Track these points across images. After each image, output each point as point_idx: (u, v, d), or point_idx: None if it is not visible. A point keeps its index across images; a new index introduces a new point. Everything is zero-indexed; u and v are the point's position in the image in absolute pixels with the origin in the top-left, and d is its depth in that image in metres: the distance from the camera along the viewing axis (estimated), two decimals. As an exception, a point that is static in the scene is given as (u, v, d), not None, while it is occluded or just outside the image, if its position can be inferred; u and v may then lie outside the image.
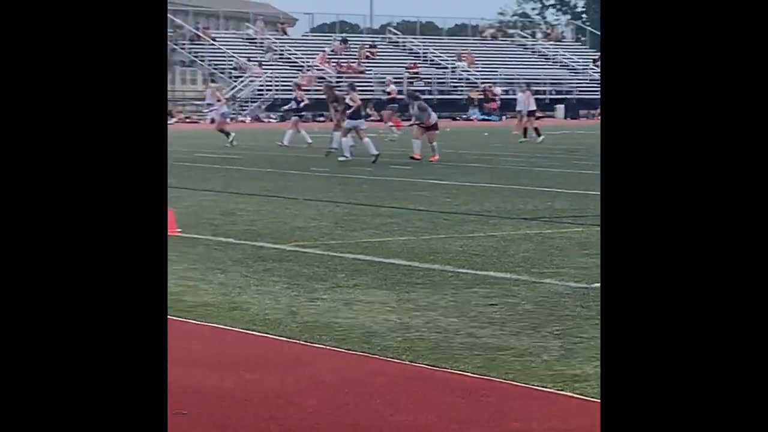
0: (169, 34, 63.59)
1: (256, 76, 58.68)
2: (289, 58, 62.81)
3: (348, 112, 26.80)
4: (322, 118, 48.17)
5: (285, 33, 68.53)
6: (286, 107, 42.18)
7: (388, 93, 40.63)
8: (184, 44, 62.31)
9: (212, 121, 53.41)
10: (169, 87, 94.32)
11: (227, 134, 33.00)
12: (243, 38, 66.41)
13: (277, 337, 7.66)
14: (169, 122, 54.28)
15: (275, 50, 62.96)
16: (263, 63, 60.48)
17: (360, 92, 60.39)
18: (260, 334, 7.77)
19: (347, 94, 27.50)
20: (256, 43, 64.45)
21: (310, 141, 31.76)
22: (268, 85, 59.09)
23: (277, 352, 7.32)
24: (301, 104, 34.18)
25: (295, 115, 33.80)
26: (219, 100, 34.90)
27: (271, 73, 58.78)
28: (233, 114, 56.34)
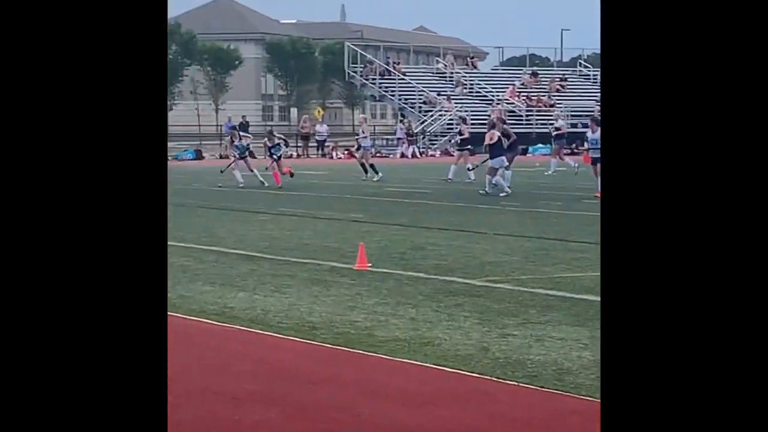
0: (359, 69, 64.35)
1: (446, 111, 58.93)
2: (479, 92, 62.88)
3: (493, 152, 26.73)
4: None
5: (475, 67, 68.65)
6: (451, 141, 42.18)
7: (557, 129, 40.22)
8: (374, 79, 62.99)
9: (402, 155, 53.79)
10: (359, 122, 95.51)
11: (365, 169, 32.93)
12: (433, 72, 66.79)
13: (468, 373, 7.60)
14: (358, 157, 54.94)
15: (465, 84, 63.13)
16: (452, 97, 60.70)
17: (550, 125, 59.80)
18: (451, 369, 7.73)
19: (487, 132, 27.29)
20: (445, 77, 64.74)
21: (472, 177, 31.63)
22: (457, 119, 59.25)
23: (468, 389, 7.27)
24: (460, 138, 34.06)
25: (459, 149, 33.71)
26: (363, 133, 34.91)
27: (461, 107, 58.93)
28: (423, 148, 56.67)
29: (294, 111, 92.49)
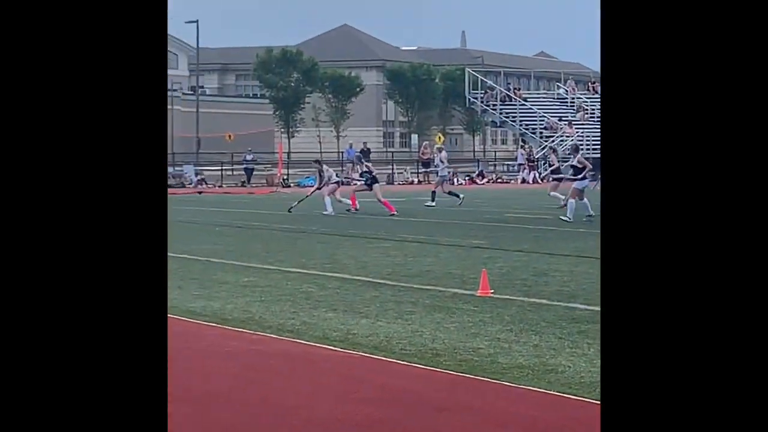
0: (480, 95, 64.34)
1: (567, 136, 58.59)
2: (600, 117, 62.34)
3: (578, 176, 26.75)
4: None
5: (596, 92, 68.14)
6: (547, 170, 42.47)
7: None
8: (495, 105, 62.91)
9: (523, 180, 53.55)
10: (479, 147, 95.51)
11: (433, 197, 33.41)
12: (553, 98, 66.47)
13: (593, 401, 7.52)
14: (479, 183, 54.97)
15: (586, 109, 62.69)
16: (573, 122, 60.33)
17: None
18: (575, 397, 7.65)
19: (574, 156, 27.32)
20: (566, 102, 64.36)
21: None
22: (571, 148, 58.78)
23: (593, 416, 7.18)
24: (550, 168, 34.20)
25: (554, 179, 33.64)
26: (442, 162, 35.13)
27: (582, 132, 58.52)
28: (544, 174, 56.37)
29: (414, 137, 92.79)
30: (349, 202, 30.29)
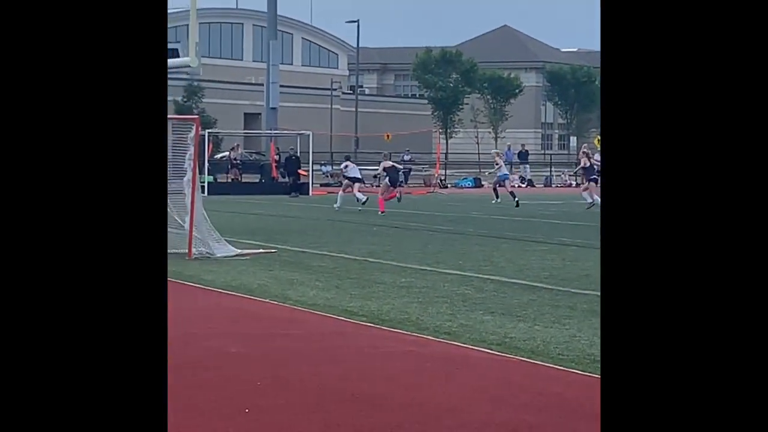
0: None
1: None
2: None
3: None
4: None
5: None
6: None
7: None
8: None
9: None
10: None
11: (496, 195, 34.46)
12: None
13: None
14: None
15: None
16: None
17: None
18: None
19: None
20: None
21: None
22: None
23: None
24: (581, 169, 34.31)
25: (589, 180, 33.16)
26: (498, 165, 35.17)
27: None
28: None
29: (573, 139, 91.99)
30: (363, 197, 31.08)
